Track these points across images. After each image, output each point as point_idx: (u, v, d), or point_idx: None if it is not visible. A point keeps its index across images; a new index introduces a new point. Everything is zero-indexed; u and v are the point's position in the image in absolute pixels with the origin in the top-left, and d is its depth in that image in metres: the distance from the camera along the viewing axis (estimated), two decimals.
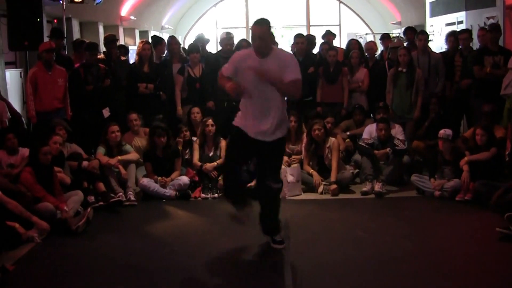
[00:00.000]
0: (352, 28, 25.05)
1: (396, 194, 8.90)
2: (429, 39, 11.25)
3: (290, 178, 8.71)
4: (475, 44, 11.12)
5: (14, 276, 5.77)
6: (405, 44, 11.61)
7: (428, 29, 14.39)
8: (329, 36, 12.19)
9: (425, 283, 5.54)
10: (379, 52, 12.41)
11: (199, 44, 11.13)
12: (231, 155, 6.49)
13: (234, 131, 6.35)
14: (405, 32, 12.12)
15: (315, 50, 11.86)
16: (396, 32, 19.08)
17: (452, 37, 10.66)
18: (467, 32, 10.65)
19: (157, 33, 18.40)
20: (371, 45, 11.69)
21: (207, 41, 11.67)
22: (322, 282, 5.60)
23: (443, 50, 11.35)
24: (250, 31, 6.26)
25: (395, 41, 13.22)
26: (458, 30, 11.42)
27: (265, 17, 6.16)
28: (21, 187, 7.28)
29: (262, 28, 6.00)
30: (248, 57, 6.10)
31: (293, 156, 9.39)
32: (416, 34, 10.97)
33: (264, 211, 6.44)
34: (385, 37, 12.76)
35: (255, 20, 6.17)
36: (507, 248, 6.37)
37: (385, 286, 5.52)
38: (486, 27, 10.88)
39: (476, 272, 5.80)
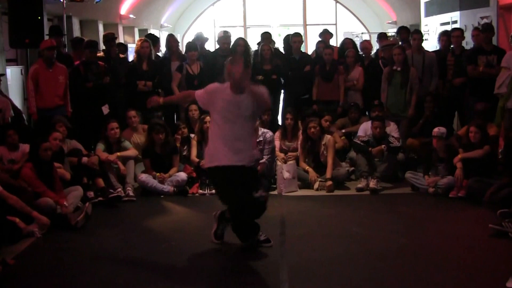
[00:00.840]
0: (348, 27, 25.10)
1: (391, 190, 8.99)
2: (423, 39, 11.34)
3: (286, 174, 8.82)
4: (470, 43, 11.25)
5: (15, 270, 5.83)
6: (399, 43, 11.71)
7: (423, 29, 14.48)
8: (326, 35, 12.27)
9: (419, 278, 5.60)
10: (374, 51, 12.50)
11: (198, 42, 11.22)
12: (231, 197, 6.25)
13: (212, 176, 6.80)
14: (398, 32, 12.19)
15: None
16: (392, 31, 19.15)
17: (445, 36, 10.75)
18: (459, 30, 10.75)
19: (156, 32, 18.47)
20: (366, 44, 11.79)
21: (206, 39, 11.76)
22: (317, 277, 5.64)
23: (437, 49, 11.44)
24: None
25: (391, 39, 13.30)
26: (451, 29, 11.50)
27: (239, 55, 6.55)
28: (22, 183, 7.32)
29: (238, 66, 6.13)
30: (222, 92, 6.22)
31: (289, 153, 9.50)
32: (411, 34, 11.06)
33: (243, 221, 6.34)
34: (382, 37, 12.82)
35: (231, 58, 6.47)
36: (499, 244, 6.45)
37: (380, 280, 5.56)
38: (480, 27, 10.98)
39: (469, 267, 5.87)
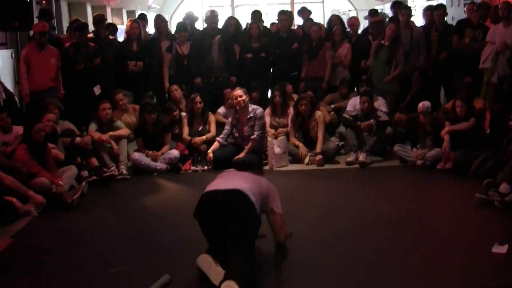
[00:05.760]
0: (335, 5, 25.13)
1: (380, 164, 9.11)
2: (411, 14, 11.40)
3: (277, 150, 8.94)
4: (456, 18, 11.34)
5: (13, 249, 5.94)
6: (386, 19, 11.77)
7: (409, 4, 14.52)
8: (304, 12, 12.29)
9: (408, 247, 5.70)
10: (361, 28, 12.56)
11: (188, 21, 11.27)
12: None
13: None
14: (392, 6, 12.15)
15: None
16: (379, 8, 19.22)
17: (429, 11, 10.82)
18: (442, 7, 10.83)
19: (144, 13, 18.50)
20: (354, 21, 11.84)
21: (196, 18, 11.79)
22: (308, 249, 5.72)
23: (422, 25, 11.51)
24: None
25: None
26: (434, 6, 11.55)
27: None
28: (16, 163, 7.37)
29: None
30: None
31: (280, 129, 9.62)
32: (399, 9, 11.11)
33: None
34: (373, 14, 12.78)
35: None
36: (485, 213, 6.61)
37: (369, 251, 5.63)
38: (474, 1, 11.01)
39: (456, 235, 6.00)
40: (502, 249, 5.44)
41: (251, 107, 9.10)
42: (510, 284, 4.87)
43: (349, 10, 23.48)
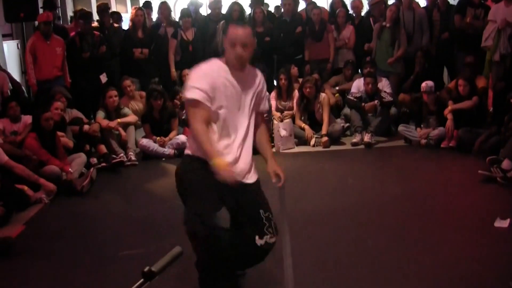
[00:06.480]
0: None
1: (385, 144, 9.21)
2: None
3: (283, 132, 9.03)
4: None
5: (26, 235, 6.05)
6: (390, 2, 11.77)
7: None
8: None
9: (412, 224, 5.80)
10: (365, 10, 12.57)
11: (192, 8, 11.35)
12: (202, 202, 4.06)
13: (192, 163, 4.20)
14: None
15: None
16: None
17: None
18: None
19: (149, 0, 18.51)
20: (357, 4, 11.84)
21: (200, 4, 11.84)
22: (315, 227, 5.83)
23: (424, 6, 11.50)
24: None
25: None
26: None
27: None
28: (27, 152, 7.47)
29: (246, 31, 4.27)
30: (223, 71, 4.22)
31: (285, 112, 9.68)
32: None
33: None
34: None
35: (234, 20, 4.13)
36: (488, 189, 6.72)
37: (375, 229, 5.74)
38: None
39: (459, 211, 6.12)
40: (504, 223, 5.55)
41: None
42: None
43: None
